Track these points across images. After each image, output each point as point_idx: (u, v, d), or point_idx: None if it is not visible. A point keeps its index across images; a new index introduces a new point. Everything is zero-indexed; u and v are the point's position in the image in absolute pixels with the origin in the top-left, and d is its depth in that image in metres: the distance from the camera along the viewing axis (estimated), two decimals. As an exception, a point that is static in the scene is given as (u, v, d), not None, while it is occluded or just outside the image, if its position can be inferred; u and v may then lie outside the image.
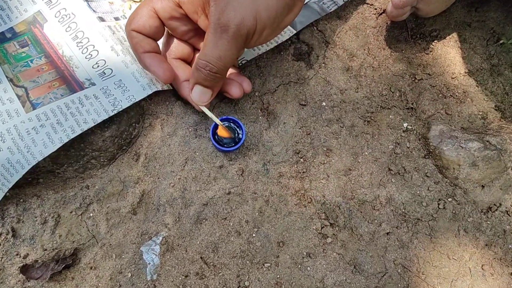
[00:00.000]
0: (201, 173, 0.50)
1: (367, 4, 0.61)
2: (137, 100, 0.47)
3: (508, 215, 0.52)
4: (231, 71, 0.51)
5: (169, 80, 0.46)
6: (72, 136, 0.44)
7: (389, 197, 0.51)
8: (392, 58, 0.58)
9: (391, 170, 0.52)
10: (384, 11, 0.60)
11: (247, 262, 0.48)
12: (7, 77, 0.48)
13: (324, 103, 0.55)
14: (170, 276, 0.46)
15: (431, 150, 0.53)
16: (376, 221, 0.50)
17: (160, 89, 0.49)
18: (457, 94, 0.56)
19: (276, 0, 0.40)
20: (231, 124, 0.51)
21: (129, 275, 0.46)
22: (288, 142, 0.53)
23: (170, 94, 0.53)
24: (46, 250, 0.45)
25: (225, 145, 0.49)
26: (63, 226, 0.46)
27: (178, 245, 0.47)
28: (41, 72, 0.49)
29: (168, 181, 0.49)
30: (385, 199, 0.51)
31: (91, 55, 0.50)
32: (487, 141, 0.52)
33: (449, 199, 0.52)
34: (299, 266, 0.48)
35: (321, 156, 0.52)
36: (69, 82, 0.48)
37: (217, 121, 0.48)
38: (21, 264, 0.44)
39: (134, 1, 0.57)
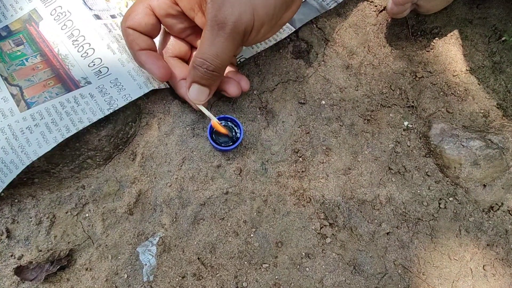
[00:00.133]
0: (198, 173, 0.49)
1: (367, 1, 0.60)
2: (133, 99, 0.47)
3: (510, 214, 0.51)
4: (229, 69, 0.50)
5: (165, 77, 0.45)
6: (67, 136, 0.43)
7: (389, 196, 0.51)
8: (392, 55, 0.57)
9: (391, 169, 0.52)
10: (385, 8, 0.59)
11: (245, 262, 0.47)
12: (1, 75, 0.47)
13: (323, 102, 0.54)
14: (166, 277, 0.45)
15: (432, 148, 0.52)
16: (376, 221, 0.50)
17: (157, 88, 0.49)
18: (458, 92, 0.56)
19: None
20: (229, 123, 0.50)
21: (125, 276, 0.45)
22: (287, 141, 0.52)
23: (167, 93, 0.52)
24: (41, 251, 0.44)
25: (223, 144, 0.49)
26: (58, 227, 0.46)
27: (175, 246, 0.47)
28: (36, 70, 0.48)
29: (165, 181, 0.49)
30: (385, 198, 0.51)
31: (87, 53, 0.49)
32: (489, 139, 0.51)
33: (450, 199, 0.51)
34: (298, 266, 0.47)
35: (320, 155, 0.52)
36: (65, 81, 0.47)
37: (215, 120, 0.47)
38: (16, 265, 0.43)
39: (131, -1, 0.57)
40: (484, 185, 0.51)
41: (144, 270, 0.45)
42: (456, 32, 0.59)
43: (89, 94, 0.46)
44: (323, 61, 0.56)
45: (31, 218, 0.45)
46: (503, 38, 0.57)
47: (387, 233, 0.49)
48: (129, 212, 0.47)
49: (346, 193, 0.51)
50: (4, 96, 0.46)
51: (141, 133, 0.50)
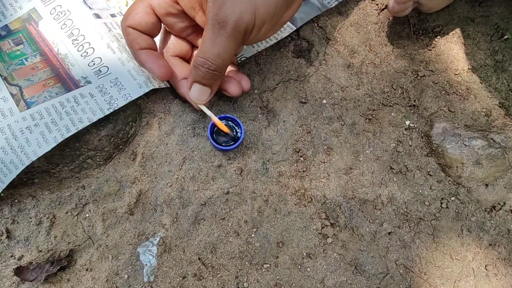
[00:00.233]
0: (199, 173, 0.49)
1: (368, -1, 0.60)
2: (133, 98, 0.46)
3: (513, 214, 0.51)
4: (229, 68, 0.50)
5: (165, 77, 0.45)
6: (67, 136, 0.43)
7: (390, 196, 0.50)
8: (394, 54, 0.57)
9: (393, 168, 0.51)
10: (386, 6, 0.59)
11: (246, 263, 0.47)
12: (1, 75, 0.47)
13: (324, 101, 0.54)
14: (167, 278, 0.45)
15: (433, 148, 0.52)
16: (377, 220, 0.49)
17: (157, 87, 0.48)
18: (460, 91, 0.55)
19: None
20: (230, 122, 0.50)
21: (126, 276, 0.45)
22: (288, 140, 0.52)
23: (168, 92, 0.52)
24: (41, 251, 0.44)
25: (224, 144, 0.48)
26: (58, 227, 0.46)
27: (175, 246, 0.46)
28: (36, 70, 0.48)
29: (165, 181, 0.48)
30: (387, 198, 0.50)
31: (87, 52, 0.49)
32: (491, 138, 0.51)
33: (452, 198, 0.51)
34: (299, 266, 0.47)
35: (322, 155, 0.52)
36: (64, 81, 0.47)
37: (216, 119, 0.47)
38: (16, 266, 0.43)
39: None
40: (486, 185, 0.51)
41: (144, 270, 0.45)
42: (458, 30, 0.58)
43: (89, 93, 0.46)
44: (324, 60, 0.56)
45: (31, 218, 0.45)
46: (505, 37, 0.57)
47: (389, 233, 0.49)
48: (130, 212, 0.47)
49: (348, 192, 0.50)
50: (4, 96, 0.45)
51: (141, 132, 0.50)
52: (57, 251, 0.44)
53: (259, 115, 0.53)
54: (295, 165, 0.51)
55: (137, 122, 0.50)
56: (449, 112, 0.54)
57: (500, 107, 0.55)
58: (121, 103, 0.46)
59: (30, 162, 0.42)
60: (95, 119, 0.44)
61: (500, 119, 0.54)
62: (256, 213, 0.48)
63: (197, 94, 0.44)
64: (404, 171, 0.51)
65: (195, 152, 0.50)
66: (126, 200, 0.47)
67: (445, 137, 0.51)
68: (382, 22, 0.58)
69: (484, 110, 0.55)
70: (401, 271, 0.48)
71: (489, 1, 0.59)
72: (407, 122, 0.54)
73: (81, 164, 0.47)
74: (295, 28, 0.55)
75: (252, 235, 0.48)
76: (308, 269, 0.47)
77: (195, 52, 0.45)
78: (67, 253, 0.45)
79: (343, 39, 0.57)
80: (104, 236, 0.46)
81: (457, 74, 0.56)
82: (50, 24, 0.50)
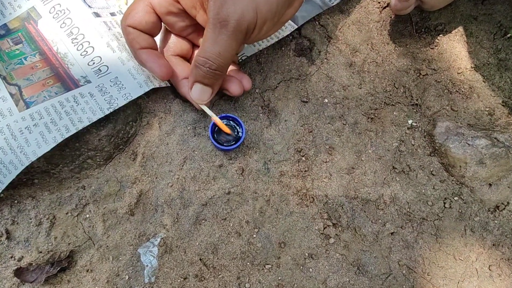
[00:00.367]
0: (200, 173, 0.49)
1: (370, -3, 0.59)
2: (133, 98, 0.46)
3: (516, 214, 0.50)
4: (231, 67, 0.49)
5: (166, 76, 0.44)
6: (67, 136, 0.43)
7: (393, 196, 0.50)
8: (396, 53, 0.57)
9: (396, 168, 0.51)
10: (388, 4, 0.58)
11: (248, 263, 0.46)
12: (0, 75, 0.47)
13: (326, 100, 0.54)
14: (168, 279, 0.45)
15: (436, 147, 0.51)
16: (380, 221, 0.49)
17: (158, 87, 0.48)
18: (463, 89, 0.55)
19: None
20: (231, 122, 0.49)
21: (127, 277, 0.45)
22: (289, 140, 0.51)
23: (168, 92, 0.51)
24: (41, 252, 0.44)
25: (225, 144, 0.48)
26: (58, 228, 0.45)
27: (176, 247, 0.46)
28: (35, 69, 0.47)
29: (166, 181, 0.48)
30: (389, 198, 0.50)
31: (87, 51, 0.48)
32: (495, 138, 0.50)
33: (455, 198, 0.50)
34: (301, 267, 0.47)
35: (324, 155, 0.51)
36: (64, 80, 0.47)
37: (217, 119, 0.46)
38: (16, 267, 0.43)
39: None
40: (490, 184, 0.50)
41: (145, 271, 0.45)
42: (460, 28, 0.58)
43: (88, 93, 0.46)
44: (325, 58, 0.56)
45: (31, 219, 0.45)
46: (508, 35, 0.57)
47: (391, 233, 0.49)
48: (130, 213, 0.47)
49: (350, 192, 0.50)
50: (3, 96, 0.45)
51: (141, 132, 0.50)
52: (57, 252, 0.44)
53: (261, 115, 0.52)
54: (297, 165, 0.50)
55: (138, 121, 0.49)
56: (452, 111, 0.54)
57: (503, 106, 0.54)
58: (121, 102, 0.45)
59: (30, 162, 0.42)
60: (95, 119, 0.44)
61: (503, 118, 0.53)
62: (257, 213, 0.48)
63: (198, 94, 0.44)
64: (406, 171, 0.51)
65: (196, 152, 0.49)
66: (127, 201, 0.47)
67: (448, 136, 0.51)
68: (384, 20, 0.58)
69: (487, 109, 0.54)
70: (404, 271, 0.48)
71: (492, -1, 0.59)
72: (410, 121, 0.53)
73: (81, 164, 0.47)
74: (296, 27, 0.54)
75: (254, 236, 0.47)
76: (310, 269, 0.47)
77: (196, 52, 0.45)
78: (67, 254, 0.44)
79: (345, 38, 0.57)
80: (104, 237, 0.46)
81: (460, 73, 0.56)
82: (49, 23, 0.50)
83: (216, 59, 0.40)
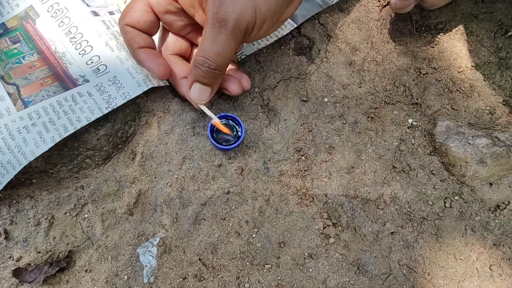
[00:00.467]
0: (199, 172, 0.48)
1: (370, -4, 0.59)
2: (132, 97, 0.46)
3: (517, 213, 0.50)
4: (230, 66, 0.49)
5: (165, 76, 0.44)
6: (65, 135, 0.43)
7: (393, 195, 0.50)
8: (396, 51, 0.56)
9: (396, 167, 0.51)
10: (388, 3, 0.58)
11: (247, 263, 0.46)
12: (-2, 74, 0.47)
13: (326, 99, 0.53)
14: (167, 279, 0.45)
15: (437, 146, 0.51)
16: (380, 220, 0.49)
17: (156, 86, 0.48)
18: (463, 88, 0.55)
19: None
20: (230, 121, 0.49)
21: (126, 277, 0.44)
22: (289, 139, 0.51)
23: (167, 91, 0.51)
24: (39, 252, 0.44)
25: (224, 143, 0.48)
26: (57, 228, 0.45)
27: (175, 247, 0.46)
28: (33, 69, 0.47)
29: (165, 181, 0.48)
30: (390, 197, 0.50)
31: (85, 51, 0.48)
32: (495, 137, 0.50)
33: (456, 197, 0.50)
34: (301, 267, 0.47)
35: (323, 154, 0.51)
36: (62, 79, 0.46)
37: (216, 120, 0.46)
38: (14, 267, 0.43)
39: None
40: (491, 184, 0.50)
41: (144, 271, 0.45)
42: (461, 27, 0.57)
43: (87, 92, 0.45)
44: (325, 57, 0.55)
45: (29, 219, 0.45)
46: (509, 34, 0.56)
47: (392, 233, 0.49)
48: (129, 213, 0.46)
49: (350, 192, 0.50)
50: (1, 95, 0.45)
51: (140, 132, 0.49)
52: (56, 252, 0.44)
53: (260, 114, 0.52)
54: (297, 164, 0.50)
55: (136, 121, 0.49)
56: (452, 110, 0.54)
57: (504, 104, 0.54)
58: (120, 102, 0.45)
59: (28, 162, 0.41)
60: (93, 118, 0.44)
61: (504, 117, 0.53)
62: (257, 213, 0.48)
63: (198, 94, 0.43)
64: (407, 170, 0.51)
65: (195, 152, 0.49)
66: (126, 200, 0.47)
67: (449, 135, 0.50)
68: (384, 19, 0.58)
69: (488, 108, 0.54)
70: (404, 271, 0.47)
71: (493, -3, 0.58)
72: (410, 121, 0.53)
73: (80, 164, 0.46)
74: (296, 25, 0.54)
75: (253, 235, 0.47)
76: (310, 269, 0.47)
77: (195, 51, 0.45)
78: (66, 254, 0.44)
79: (345, 36, 0.56)
80: (103, 237, 0.46)
81: (460, 72, 0.55)
82: (47, 22, 0.50)
83: (215, 58, 0.40)
